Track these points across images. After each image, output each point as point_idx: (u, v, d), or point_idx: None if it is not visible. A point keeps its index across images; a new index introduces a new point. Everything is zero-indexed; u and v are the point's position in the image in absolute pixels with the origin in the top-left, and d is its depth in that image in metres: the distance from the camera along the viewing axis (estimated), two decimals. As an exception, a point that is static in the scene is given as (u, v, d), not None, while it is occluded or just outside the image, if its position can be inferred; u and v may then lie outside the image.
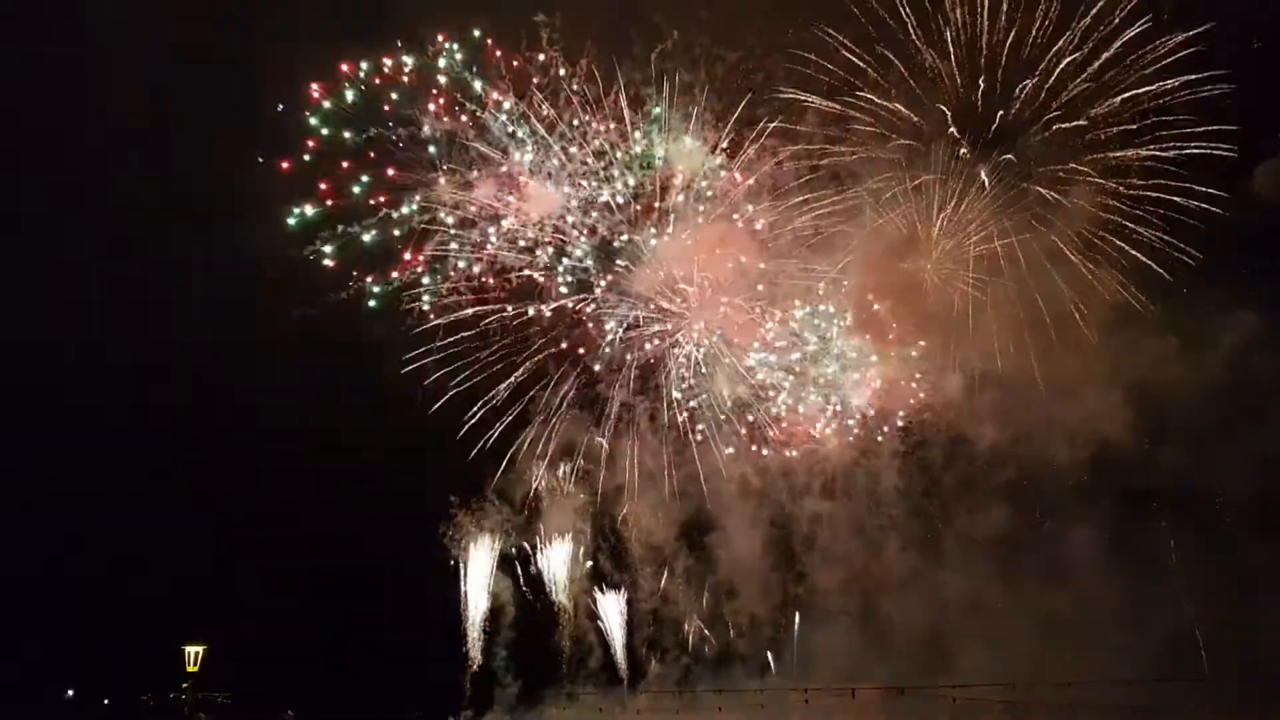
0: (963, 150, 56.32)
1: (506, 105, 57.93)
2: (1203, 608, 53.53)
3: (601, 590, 62.73)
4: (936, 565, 58.55)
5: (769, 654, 61.74)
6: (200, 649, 56.60)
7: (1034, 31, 54.13)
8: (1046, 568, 55.74)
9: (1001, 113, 55.51)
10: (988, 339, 56.93)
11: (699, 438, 60.46)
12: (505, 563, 62.36)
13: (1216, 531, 54.22)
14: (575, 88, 57.54)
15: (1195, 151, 53.28)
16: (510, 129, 58.35)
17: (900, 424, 60.04)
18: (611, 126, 58.31)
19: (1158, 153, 53.94)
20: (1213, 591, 53.11)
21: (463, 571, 62.04)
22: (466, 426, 59.48)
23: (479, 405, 59.30)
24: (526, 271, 59.74)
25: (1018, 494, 57.58)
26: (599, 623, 62.56)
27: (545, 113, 58.11)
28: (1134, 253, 54.81)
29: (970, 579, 56.87)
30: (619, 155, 58.87)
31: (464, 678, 61.58)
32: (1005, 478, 57.58)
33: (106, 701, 63.32)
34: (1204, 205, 53.59)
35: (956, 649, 56.66)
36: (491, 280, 59.67)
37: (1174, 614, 53.43)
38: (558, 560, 62.51)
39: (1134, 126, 53.99)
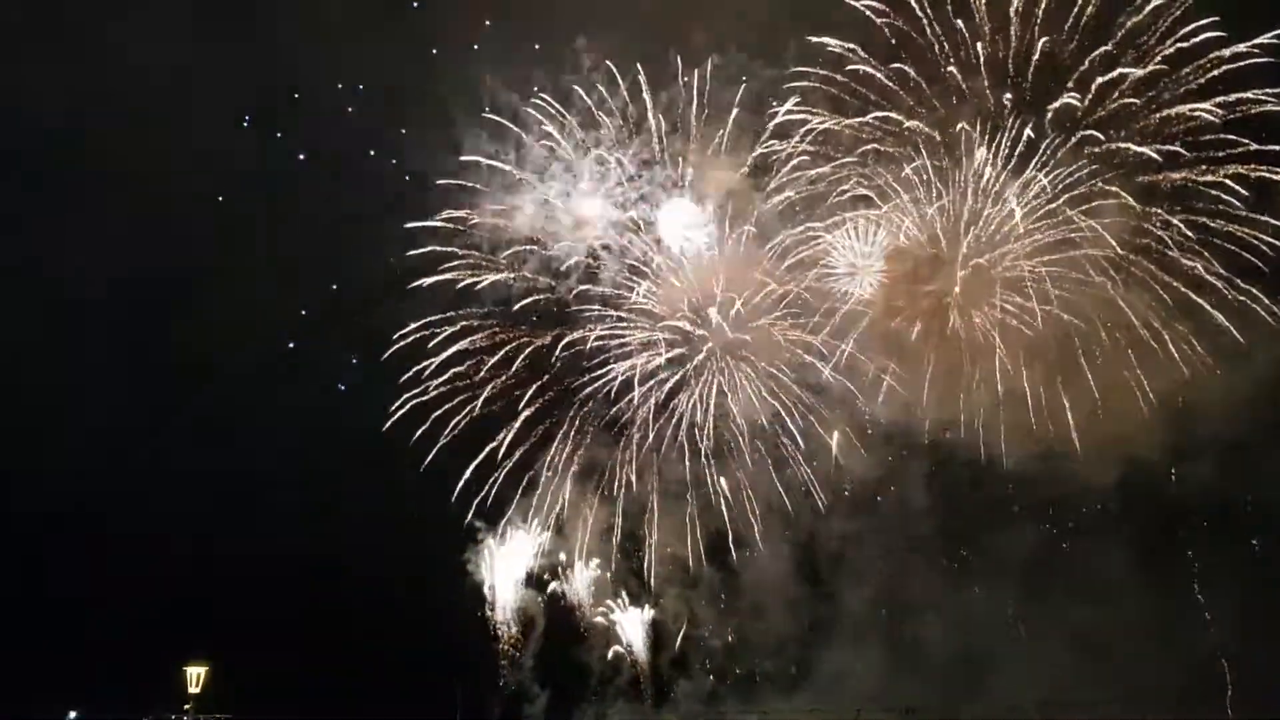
0: (989, 169, 55.54)
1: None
2: (1231, 630, 53.35)
3: (626, 609, 62.62)
4: (961, 585, 58.71)
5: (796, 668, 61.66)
6: (203, 669, 54.65)
7: (1067, 47, 53.64)
8: (1070, 589, 55.87)
9: (1031, 135, 54.86)
10: (1014, 358, 56.56)
11: (721, 458, 60.77)
12: (532, 583, 62.65)
13: (1246, 554, 54.32)
14: (612, 109, 57.99)
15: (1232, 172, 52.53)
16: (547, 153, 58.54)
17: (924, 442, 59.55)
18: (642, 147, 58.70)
19: (1192, 177, 53.18)
20: (1242, 613, 53.02)
21: (487, 592, 62.11)
22: (487, 451, 59.99)
23: (504, 432, 59.89)
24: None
25: (1043, 514, 57.64)
26: (624, 642, 62.60)
27: (581, 136, 58.52)
28: (1166, 277, 54.19)
29: (994, 600, 57.33)
30: (652, 175, 59.17)
31: (492, 696, 61.83)
32: (1030, 498, 57.41)
33: None
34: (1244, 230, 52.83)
35: (979, 670, 56.60)
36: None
37: (1201, 636, 53.53)
38: (583, 580, 62.45)
39: (1172, 148, 53.07)
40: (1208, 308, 53.58)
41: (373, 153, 61.70)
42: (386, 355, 59.77)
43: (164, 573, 61.66)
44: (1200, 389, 53.19)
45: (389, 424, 59.67)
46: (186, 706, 54.87)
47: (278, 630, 61.91)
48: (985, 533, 57.83)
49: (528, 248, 59.74)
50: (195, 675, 54.56)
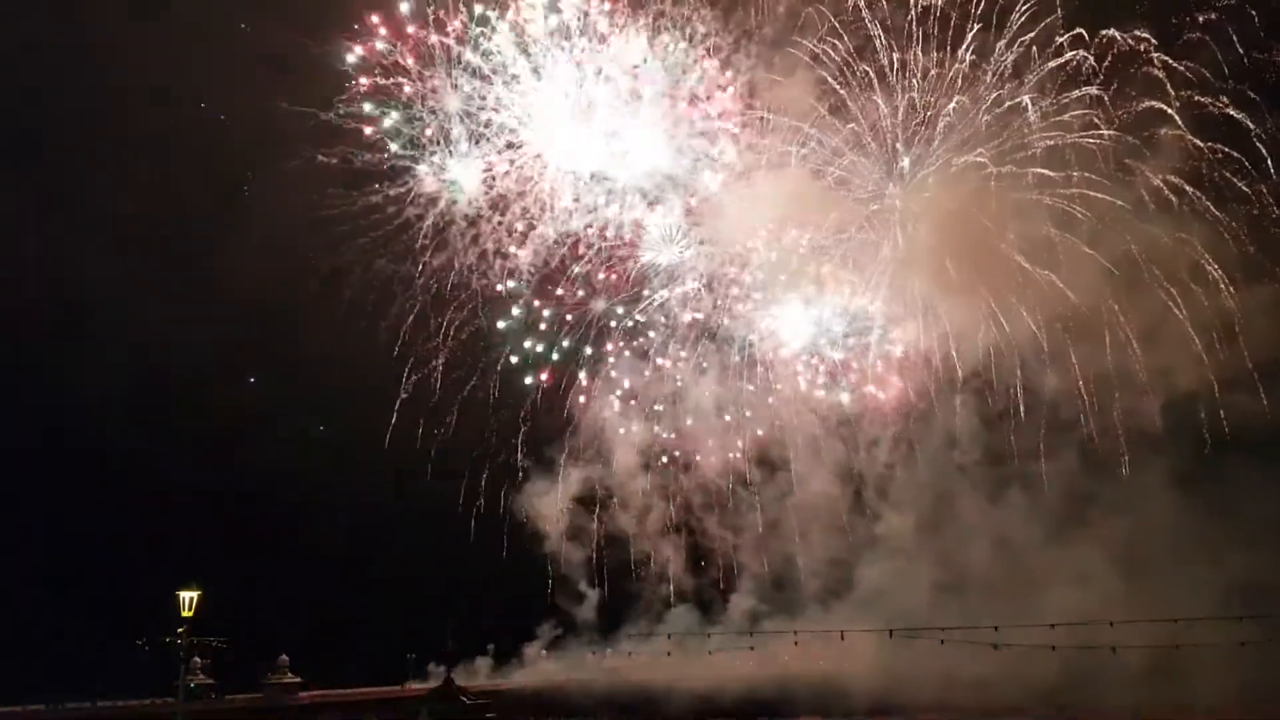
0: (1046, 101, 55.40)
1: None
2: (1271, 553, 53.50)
3: (670, 531, 62.68)
4: (1002, 509, 58.74)
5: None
6: (195, 594, 52.95)
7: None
8: (1113, 513, 56.42)
9: (1095, 66, 54.69)
10: (1061, 290, 57.03)
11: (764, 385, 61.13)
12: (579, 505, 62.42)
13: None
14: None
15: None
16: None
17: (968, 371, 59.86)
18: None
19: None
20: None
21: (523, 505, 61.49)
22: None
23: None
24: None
25: (1088, 439, 58.25)
26: (671, 563, 62.72)
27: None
28: (1216, 213, 54.67)
29: (1035, 523, 57.49)
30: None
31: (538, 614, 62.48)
32: (1075, 423, 58.12)
33: (103, 645, 60.27)
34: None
35: (1017, 591, 57.10)
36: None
37: (1242, 559, 53.55)
38: (630, 503, 62.28)
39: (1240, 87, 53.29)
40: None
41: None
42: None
43: (160, 499, 60.38)
44: (1247, 320, 54.42)
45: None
46: (180, 630, 52.99)
47: (274, 556, 60.99)
48: (1028, 458, 58.65)
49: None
50: (188, 599, 52.78)
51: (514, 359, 60.12)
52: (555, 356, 60.32)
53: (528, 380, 60.28)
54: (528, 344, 60.25)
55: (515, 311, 59.99)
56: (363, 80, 56.67)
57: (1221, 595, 52.75)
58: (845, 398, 60.39)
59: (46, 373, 60.71)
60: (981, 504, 58.65)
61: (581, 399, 60.86)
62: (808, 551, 61.11)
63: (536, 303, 60.16)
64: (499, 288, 59.53)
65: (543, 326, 60.12)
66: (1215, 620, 52.09)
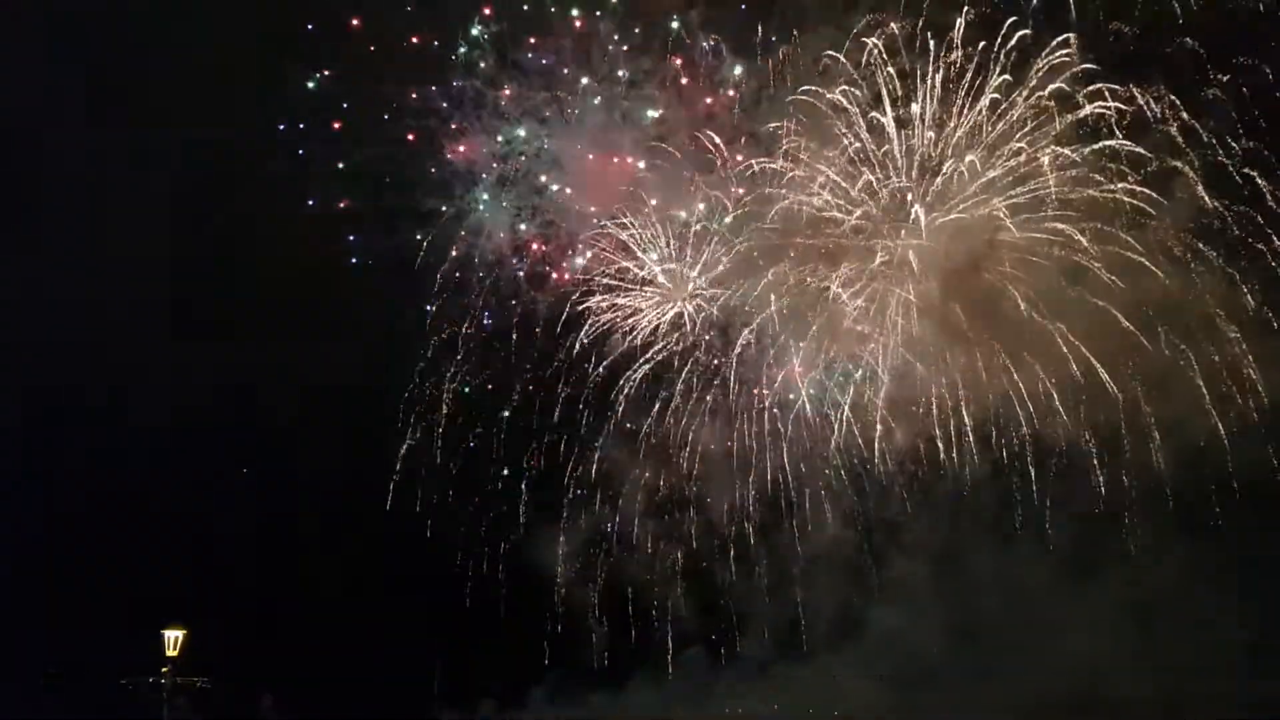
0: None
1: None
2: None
3: (677, 575, 62.30)
4: (1008, 561, 58.56)
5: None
6: (180, 633, 53.71)
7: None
8: (1118, 567, 56.81)
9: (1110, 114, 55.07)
10: (1069, 341, 56.83)
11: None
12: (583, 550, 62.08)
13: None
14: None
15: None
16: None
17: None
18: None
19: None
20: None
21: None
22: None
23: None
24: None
25: (1097, 489, 57.99)
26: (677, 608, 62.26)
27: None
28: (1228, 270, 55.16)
29: (1040, 576, 57.33)
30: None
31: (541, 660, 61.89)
32: (1084, 478, 57.77)
33: (86, 685, 60.80)
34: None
35: (1021, 642, 56.98)
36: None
37: (1248, 615, 54.30)
38: (636, 548, 62.10)
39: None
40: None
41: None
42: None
43: (143, 536, 60.61)
44: (1261, 371, 54.57)
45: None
46: (164, 669, 53.90)
47: (261, 595, 61.81)
48: (1036, 508, 58.62)
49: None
50: (173, 639, 53.49)
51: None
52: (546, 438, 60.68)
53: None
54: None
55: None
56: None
57: (1230, 649, 53.40)
58: (854, 445, 59.99)
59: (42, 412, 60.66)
60: (988, 553, 58.48)
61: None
62: (814, 598, 60.83)
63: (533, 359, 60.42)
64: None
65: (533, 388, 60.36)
66: (1223, 675, 53.05)
